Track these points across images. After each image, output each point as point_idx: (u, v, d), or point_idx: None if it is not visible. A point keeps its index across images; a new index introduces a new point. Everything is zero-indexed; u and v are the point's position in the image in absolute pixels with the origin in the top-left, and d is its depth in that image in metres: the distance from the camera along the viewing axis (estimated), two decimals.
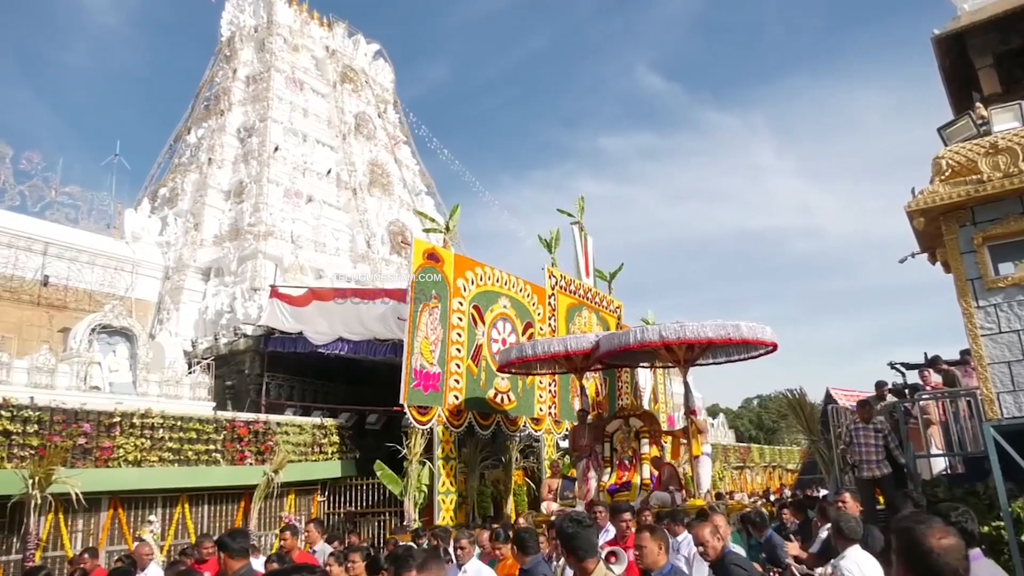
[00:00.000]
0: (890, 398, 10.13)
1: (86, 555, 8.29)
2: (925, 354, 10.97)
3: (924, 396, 9.15)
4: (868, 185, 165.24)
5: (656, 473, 11.65)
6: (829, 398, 16.75)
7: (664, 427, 21.12)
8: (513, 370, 13.72)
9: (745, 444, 37.94)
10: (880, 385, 10.71)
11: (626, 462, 11.87)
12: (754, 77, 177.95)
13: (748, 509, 10.36)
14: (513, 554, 4.59)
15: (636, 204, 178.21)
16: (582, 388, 13.08)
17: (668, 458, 12.39)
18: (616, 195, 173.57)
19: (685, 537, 7.63)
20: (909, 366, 11.24)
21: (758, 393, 71.32)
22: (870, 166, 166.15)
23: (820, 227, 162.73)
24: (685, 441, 11.53)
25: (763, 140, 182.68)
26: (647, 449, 11.78)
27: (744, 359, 11.89)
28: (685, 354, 10.86)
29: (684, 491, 11.10)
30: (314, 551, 8.18)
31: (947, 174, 7.78)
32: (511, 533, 5.78)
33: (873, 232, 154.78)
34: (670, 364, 12.38)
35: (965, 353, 9.63)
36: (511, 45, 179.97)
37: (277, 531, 13.03)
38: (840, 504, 6.05)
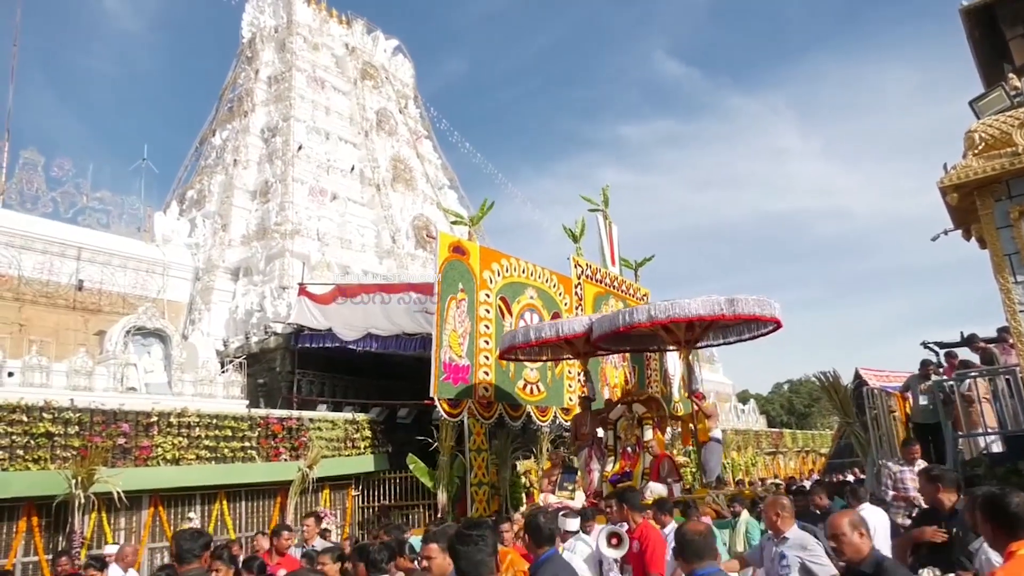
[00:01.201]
0: (935, 378, 9.91)
1: (63, 558, 8.38)
2: (961, 333, 10.75)
3: (969, 373, 8.98)
4: (895, 164, 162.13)
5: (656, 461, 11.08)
6: (859, 379, 16.40)
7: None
8: (515, 356, 13.25)
9: (777, 429, 37.57)
10: (925, 364, 10.23)
11: (629, 450, 11.25)
12: (775, 59, 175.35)
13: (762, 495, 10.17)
14: (526, 545, 4.40)
15: (660, 192, 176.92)
16: (586, 373, 12.57)
17: (679, 444, 12.07)
18: (639, 184, 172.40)
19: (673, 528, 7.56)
20: (943, 345, 11.02)
21: (788, 378, 70.64)
22: (897, 144, 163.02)
23: (847, 208, 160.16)
24: (693, 427, 11.01)
25: (786, 122, 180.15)
26: (650, 436, 11.14)
27: (748, 339, 11.28)
28: (685, 335, 10.32)
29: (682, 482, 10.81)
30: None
31: (980, 148, 7.61)
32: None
33: (902, 211, 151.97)
34: (671, 347, 11.83)
35: (1003, 331, 9.41)
36: (529, 37, 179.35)
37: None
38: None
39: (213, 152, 28.98)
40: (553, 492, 11.45)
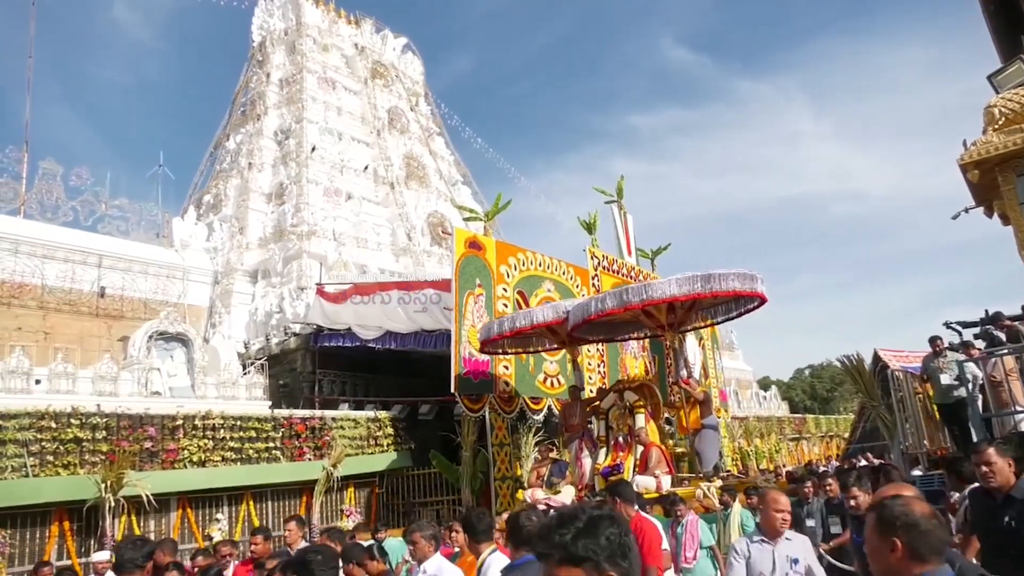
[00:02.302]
0: (951, 355, 9.73)
1: (45, 568, 8.37)
2: (986, 311, 10.58)
3: (989, 352, 8.87)
4: (911, 144, 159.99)
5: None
6: (877, 360, 16.06)
7: (715, 403, 20.93)
8: (498, 350, 12.63)
9: (800, 415, 37.31)
10: (933, 340, 9.96)
11: (621, 441, 10.50)
12: (784, 42, 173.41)
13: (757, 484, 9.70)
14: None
15: (673, 180, 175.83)
16: (575, 363, 12.10)
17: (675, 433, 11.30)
18: (652, 173, 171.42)
19: (691, 517, 7.41)
20: (966, 324, 10.86)
21: (809, 363, 70.08)
22: (912, 124, 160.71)
23: (863, 190, 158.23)
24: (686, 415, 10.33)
25: (798, 106, 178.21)
26: (643, 425, 10.35)
27: (736, 316, 10.73)
28: (667, 317, 9.73)
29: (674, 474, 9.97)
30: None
31: (1001, 122, 7.49)
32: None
33: (919, 191, 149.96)
34: (656, 333, 11.13)
35: None
36: (536, 30, 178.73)
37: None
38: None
39: (228, 156, 29.17)
40: (541, 488, 10.76)
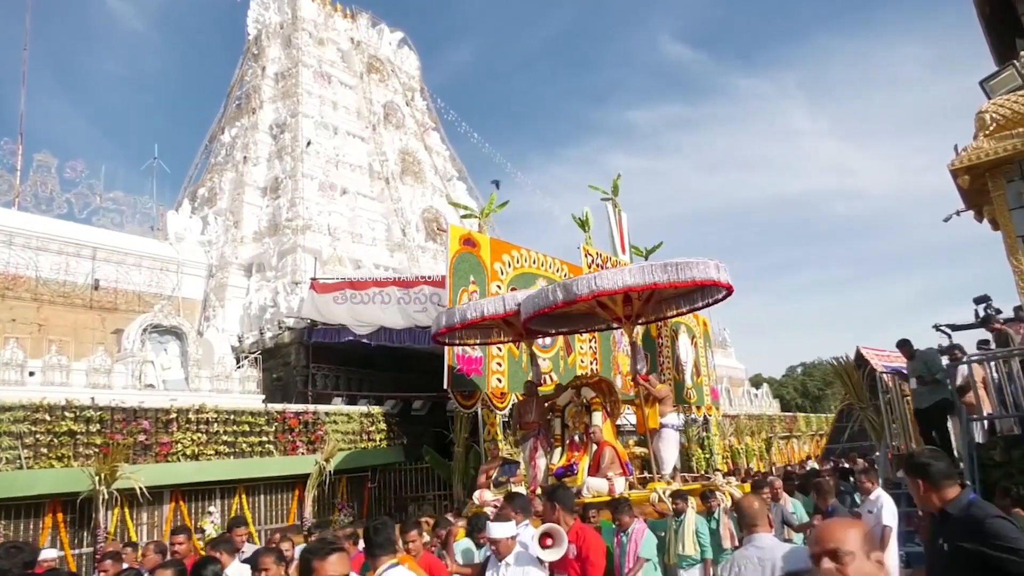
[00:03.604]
0: (920, 356, 9.63)
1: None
2: (976, 312, 10.67)
3: (974, 356, 8.96)
4: (910, 141, 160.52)
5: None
6: (860, 358, 15.87)
7: (707, 401, 21.05)
8: (452, 340, 11.86)
9: (791, 414, 37.54)
10: (902, 345, 9.77)
11: (577, 440, 9.91)
12: (783, 38, 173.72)
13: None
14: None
15: (671, 176, 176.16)
16: (532, 356, 11.41)
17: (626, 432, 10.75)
18: (650, 168, 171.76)
19: (638, 526, 6.61)
20: (955, 327, 10.95)
21: (802, 361, 70.42)
22: (912, 121, 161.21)
23: (861, 188, 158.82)
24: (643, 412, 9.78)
25: (796, 103, 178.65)
26: (598, 423, 9.77)
27: (701, 307, 10.18)
28: (624, 309, 9.13)
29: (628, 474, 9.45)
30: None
31: (992, 128, 7.57)
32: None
33: (917, 189, 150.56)
34: (613, 324, 10.50)
35: (1020, 310, 9.39)
36: (534, 24, 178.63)
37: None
38: None
39: (223, 150, 29.13)
40: (489, 488, 10.09)
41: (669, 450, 9.71)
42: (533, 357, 11.41)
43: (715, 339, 30.69)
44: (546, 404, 10.54)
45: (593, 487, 8.80)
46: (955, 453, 8.38)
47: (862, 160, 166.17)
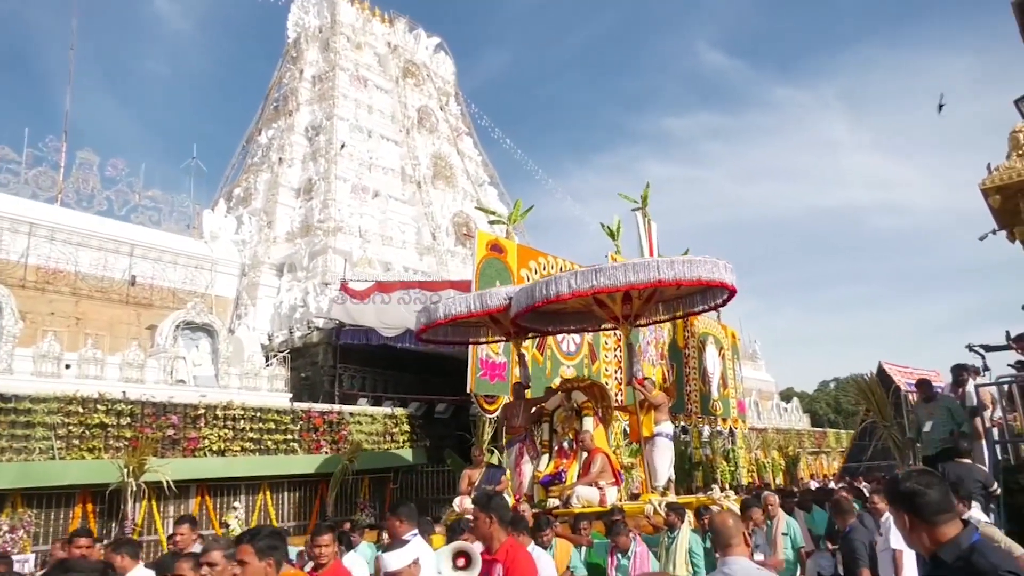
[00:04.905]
0: (971, 385, 9.32)
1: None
2: (1007, 333, 10.42)
3: (1004, 379, 8.76)
4: (955, 156, 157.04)
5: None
6: (883, 374, 15.33)
7: (733, 413, 20.83)
8: (438, 338, 11.21)
9: (821, 429, 36.92)
10: (958, 369, 9.38)
11: (565, 446, 9.49)
12: (824, 49, 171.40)
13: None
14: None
15: (706, 185, 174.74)
16: (520, 356, 10.81)
17: (616, 440, 10.14)
18: (684, 176, 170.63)
19: (639, 549, 6.29)
20: (989, 348, 10.70)
21: (835, 376, 69.18)
22: (957, 135, 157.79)
23: (903, 202, 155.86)
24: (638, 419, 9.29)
25: (836, 114, 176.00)
26: (589, 429, 9.38)
27: (701, 311, 9.81)
28: (622, 308, 8.70)
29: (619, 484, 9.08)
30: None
31: None
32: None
33: (962, 205, 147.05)
34: (609, 325, 10.10)
35: None
36: (570, 29, 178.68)
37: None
38: None
39: (259, 151, 29.64)
40: (471, 494, 9.28)
41: (663, 460, 9.19)
42: (521, 357, 10.85)
43: (745, 351, 30.35)
44: (533, 408, 10.08)
45: (583, 496, 8.41)
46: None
47: (904, 173, 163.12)
